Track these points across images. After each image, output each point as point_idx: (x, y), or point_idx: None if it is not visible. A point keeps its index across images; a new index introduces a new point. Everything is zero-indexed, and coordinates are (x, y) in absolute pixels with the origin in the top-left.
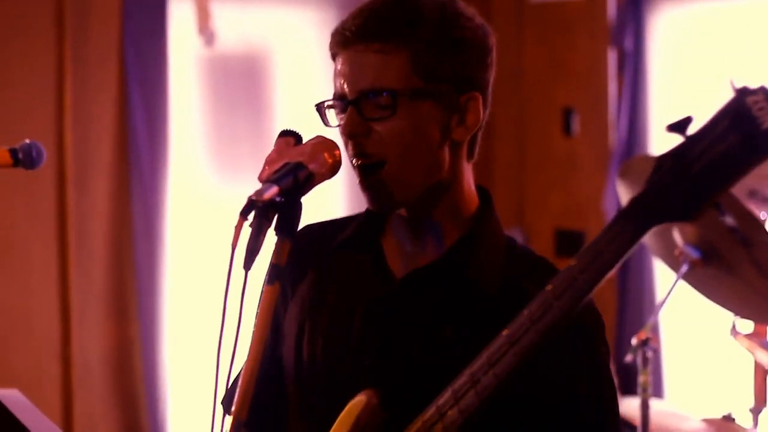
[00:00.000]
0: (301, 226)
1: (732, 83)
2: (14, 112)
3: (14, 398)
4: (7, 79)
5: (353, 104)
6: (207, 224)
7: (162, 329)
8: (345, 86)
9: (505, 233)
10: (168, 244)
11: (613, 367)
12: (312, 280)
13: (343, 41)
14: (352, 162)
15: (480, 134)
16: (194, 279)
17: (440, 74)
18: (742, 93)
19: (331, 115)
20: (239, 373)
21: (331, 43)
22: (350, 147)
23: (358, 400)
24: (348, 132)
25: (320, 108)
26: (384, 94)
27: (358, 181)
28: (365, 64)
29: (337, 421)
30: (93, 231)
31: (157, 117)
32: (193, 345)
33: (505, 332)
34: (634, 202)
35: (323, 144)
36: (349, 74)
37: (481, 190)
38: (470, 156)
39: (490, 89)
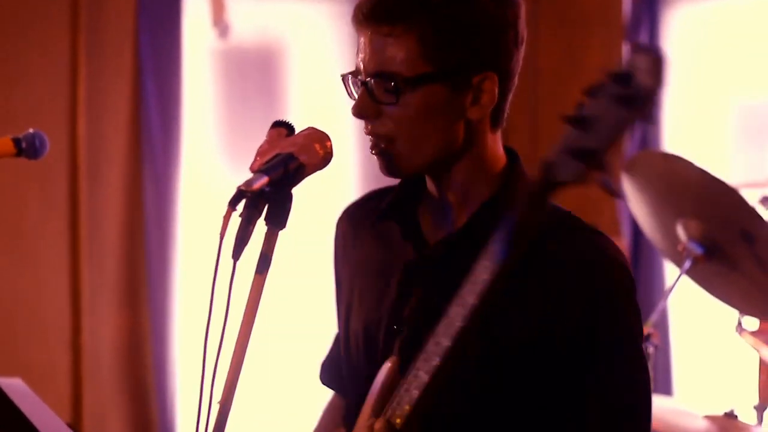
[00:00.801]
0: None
1: (635, 44)
2: (28, 103)
3: (16, 387)
4: (21, 70)
5: (364, 85)
6: (219, 216)
7: (172, 320)
8: (360, 64)
9: None
10: (180, 235)
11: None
12: (359, 251)
13: (356, 21)
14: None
15: (506, 104)
16: (205, 271)
17: (450, 57)
18: (634, 49)
19: (353, 85)
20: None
21: (351, 18)
22: (364, 126)
23: (386, 368)
24: (357, 113)
25: (345, 79)
26: (388, 78)
27: (369, 147)
28: (375, 47)
29: (372, 388)
30: (105, 222)
31: (170, 109)
32: (203, 334)
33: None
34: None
35: (315, 135)
36: (363, 54)
37: (509, 151)
38: (495, 125)
39: (513, 62)
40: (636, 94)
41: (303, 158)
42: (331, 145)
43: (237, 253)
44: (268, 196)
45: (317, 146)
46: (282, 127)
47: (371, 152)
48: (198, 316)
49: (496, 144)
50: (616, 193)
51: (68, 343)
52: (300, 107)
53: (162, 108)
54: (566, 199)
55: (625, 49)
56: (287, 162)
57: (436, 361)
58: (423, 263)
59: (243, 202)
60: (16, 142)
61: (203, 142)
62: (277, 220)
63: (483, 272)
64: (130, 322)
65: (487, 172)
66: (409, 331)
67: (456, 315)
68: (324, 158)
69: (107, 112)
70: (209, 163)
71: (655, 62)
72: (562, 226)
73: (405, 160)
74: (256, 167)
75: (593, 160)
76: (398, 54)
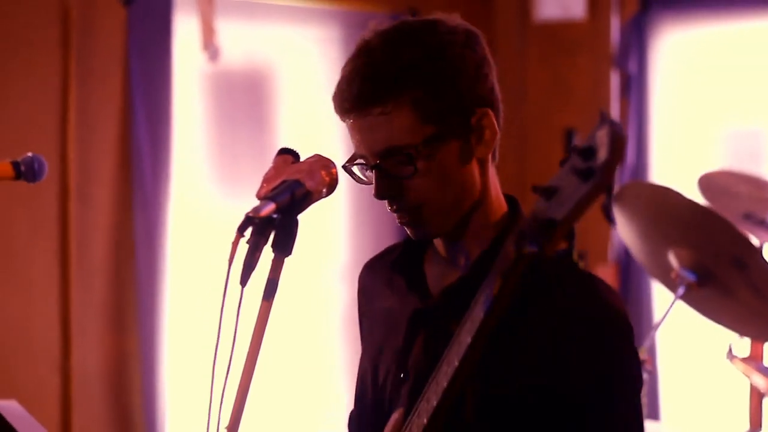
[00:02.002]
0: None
1: (601, 113)
2: (18, 124)
3: (12, 409)
4: (11, 91)
5: (376, 168)
6: (208, 238)
7: (162, 343)
8: (363, 151)
9: None
10: (169, 257)
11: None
12: (378, 305)
13: (343, 111)
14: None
15: (498, 138)
16: (194, 293)
17: (446, 111)
18: (602, 120)
19: (359, 171)
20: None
21: (334, 108)
22: (387, 204)
23: (395, 419)
24: (381, 196)
25: (347, 168)
26: (398, 154)
27: (397, 220)
28: (373, 129)
29: None
30: (94, 244)
31: (160, 131)
32: (193, 359)
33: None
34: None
35: (321, 162)
36: (361, 140)
37: (509, 198)
38: (494, 159)
39: (496, 92)
40: (595, 167)
41: (309, 185)
42: (336, 172)
43: (244, 279)
44: (275, 222)
45: (323, 173)
46: (288, 154)
47: (399, 223)
48: (186, 339)
49: (497, 183)
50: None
51: (58, 364)
52: (289, 130)
53: (152, 130)
54: None
55: (614, 77)
56: (294, 189)
57: (434, 402)
58: (426, 312)
59: (250, 228)
60: (15, 165)
61: (193, 164)
62: (284, 246)
63: (479, 311)
64: (120, 345)
65: (490, 216)
66: (414, 379)
67: (453, 355)
68: (330, 185)
69: (97, 135)
70: (198, 185)
71: (613, 136)
72: (561, 270)
73: (436, 225)
74: (262, 194)
75: (557, 230)
76: (399, 127)
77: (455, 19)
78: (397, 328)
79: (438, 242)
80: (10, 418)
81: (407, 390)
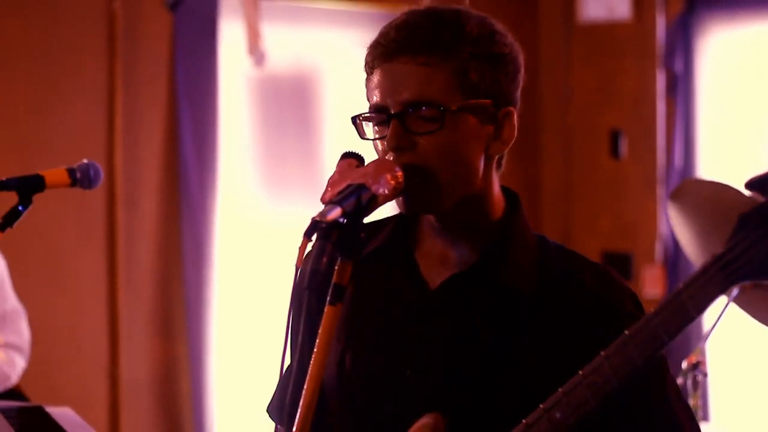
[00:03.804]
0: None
1: None
2: (66, 132)
3: (67, 416)
4: (59, 99)
5: (397, 117)
6: (255, 244)
7: (209, 349)
8: (387, 98)
9: (535, 233)
10: (216, 263)
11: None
12: (350, 290)
13: (386, 53)
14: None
15: (512, 142)
16: (242, 298)
17: (482, 89)
18: None
19: (368, 128)
20: (283, 379)
21: (369, 55)
22: (393, 158)
23: (424, 423)
24: (393, 145)
25: (356, 120)
26: (429, 107)
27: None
28: (410, 76)
29: None
30: (142, 250)
31: (206, 137)
32: (241, 365)
33: (581, 372)
34: (718, 258)
35: (385, 165)
36: (391, 86)
37: (508, 193)
38: (499, 167)
39: (520, 104)
40: None
41: (375, 188)
42: (402, 176)
43: (312, 284)
44: (340, 227)
45: (388, 176)
46: (352, 157)
47: (396, 190)
48: (234, 345)
49: (498, 187)
50: None
51: (106, 371)
52: (335, 134)
53: (198, 135)
54: (602, 225)
55: (660, 77)
56: (360, 193)
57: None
58: (427, 308)
59: (316, 233)
60: (71, 172)
61: (239, 169)
62: (350, 250)
63: None
64: (168, 350)
65: (490, 218)
66: (428, 377)
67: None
68: (395, 188)
69: (143, 140)
70: (245, 190)
71: None
72: (576, 266)
73: (436, 196)
74: (327, 198)
75: None
76: (436, 82)
77: None
78: (390, 320)
79: (433, 232)
80: (65, 425)
81: (418, 388)
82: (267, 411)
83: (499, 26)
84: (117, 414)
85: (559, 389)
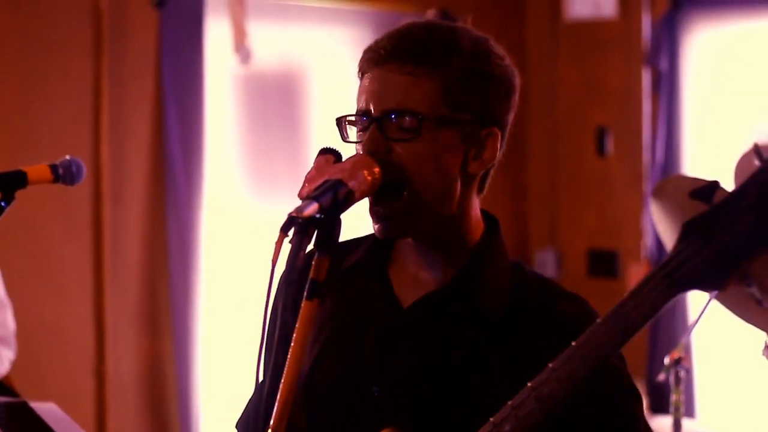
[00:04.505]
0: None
1: (757, 151)
2: (52, 128)
3: (52, 412)
4: (45, 94)
5: (377, 121)
6: (241, 240)
7: (196, 344)
8: (370, 104)
9: (512, 259)
10: (202, 259)
11: (645, 402)
12: (325, 305)
13: (375, 59)
14: None
15: (492, 171)
16: (228, 295)
17: (466, 105)
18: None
19: (351, 130)
20: (252, 397)
21: (362, 59)
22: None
23: None
24: (368, 149)
25: (340, 122)
26: (409, 116)
27: (369, 208)
28: (394, 84)
29: None
30: (128, 246)
31: (192, 133)
32: (226, 360)
33: (529, 384)
34: (662, 266)
35: (363, 162)
36: (376, 92)
37: (488, 217)
38: (480, 190)
39: (508, 129)
40: None
41: (352, 184)
42: (379, 171)
43: (289, 280)
44: (317, 222)
45: (365, 172)
46: (329, 153)
47: (371, 212)
48: (220, 341)
49: (477, 210)
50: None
51: (92, 367)
52: (321, 132)
53: (184, 132)
54: (588, 222)
55: (645, 75)
56: (336, 188)
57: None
58: (398, 326)
59: (293, 228)
60: (53, 168)
61: (225, 165)
62: (327, 246)
63: None
64: (154, 346)
65: (466, 240)
66: (391, 394)
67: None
68: (372, 184)
69: (130, 137)
70: (231, 187)
71: None
72: (550, 293)
73: (411, 217)
74: (304, 193)
75: None
76: (419, 93)
77: None
78: (359, 336)
79: (408, 251)
80: (49, 421)
81: (385, 406)
82: (235, 427)
83: (498, 49)
84: (103, 410)
85: (508, 402)
